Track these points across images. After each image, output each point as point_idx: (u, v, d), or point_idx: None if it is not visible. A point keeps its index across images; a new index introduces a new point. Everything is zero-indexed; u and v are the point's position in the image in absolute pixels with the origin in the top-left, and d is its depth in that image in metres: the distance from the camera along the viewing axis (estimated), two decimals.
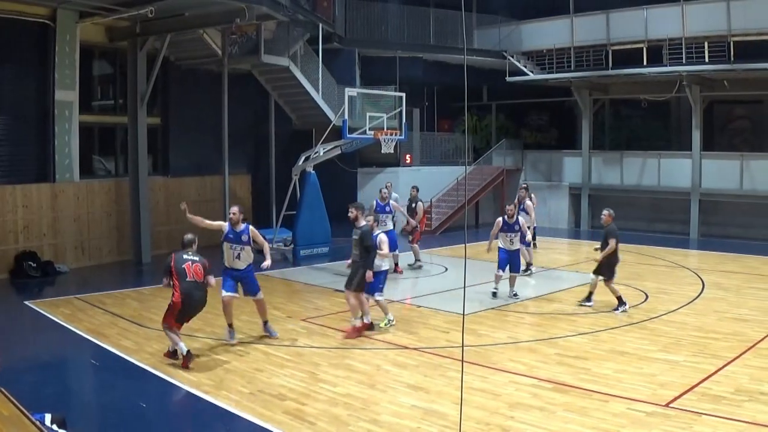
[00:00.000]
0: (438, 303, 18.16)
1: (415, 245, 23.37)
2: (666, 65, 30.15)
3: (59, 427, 7.86)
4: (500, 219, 18.78)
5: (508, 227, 18.61)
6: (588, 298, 17.74)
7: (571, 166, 36.35)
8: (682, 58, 29.57)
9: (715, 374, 12.10)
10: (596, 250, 17.72)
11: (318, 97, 28.38)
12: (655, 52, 30.63)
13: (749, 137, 34.29)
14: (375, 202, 22.05)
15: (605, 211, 17.84)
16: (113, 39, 25.14)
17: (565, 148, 37.98)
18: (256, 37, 26.41)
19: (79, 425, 9.73)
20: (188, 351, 12.86)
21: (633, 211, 32.28)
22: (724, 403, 10.68)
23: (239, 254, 14.84)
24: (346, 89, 25.68)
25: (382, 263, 15.64)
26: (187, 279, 13.26)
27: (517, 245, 18.77)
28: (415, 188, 23.79)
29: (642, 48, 30.91)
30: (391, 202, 22.26)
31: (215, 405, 10.90)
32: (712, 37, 28.86)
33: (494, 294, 18.71)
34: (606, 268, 17.25)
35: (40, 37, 22.88)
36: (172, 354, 13.11)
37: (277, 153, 30.37)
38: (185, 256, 13.66)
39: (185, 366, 12.73)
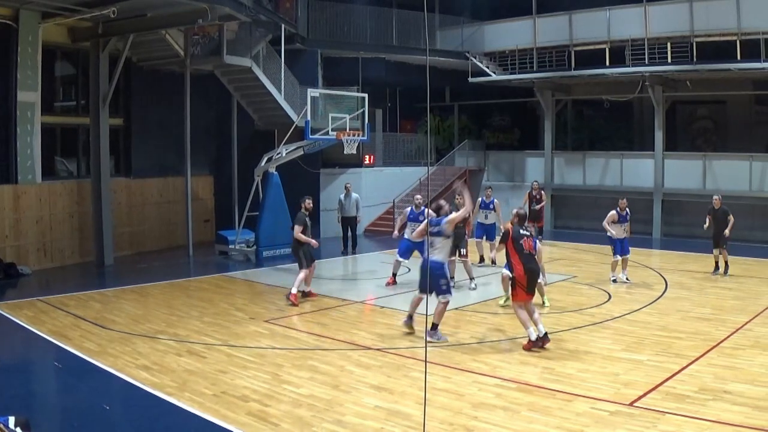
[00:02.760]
0: (400, 303, 18.18)
1: (467, 260, 21.00)
2: (628, 66, 30.36)
3: (23, 429, 7.80)
4: (614, 212, 21.48)
5: (622, 218, 21.48)
6: (717, 268, 22.41)
7: (534, 167, 36.47)
8: (644, 58, 29.78)
9: (679, 373, 12.18)
10: (706, 227, 22.55)
11: (280, 98, 28.33)
12: (618, 53, 30.81)
13: (712, 137, 34.60)
14: (410, 209, 21.74)
15: (716, 196, 22.63)
16: (76, 40, 25.00)
17: (527, 149, 38.18)
18: (219, 38, 26.34)
19: (42, 428, 9.69)
20: (545, 334, 13.99)
21: (595, 212, 32.34)
22: (688, 401, 10.75)
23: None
24: (309, 90, 25.68)
25: None
26: (525, 252, 14.24)
27: (626, 234, 21.46)
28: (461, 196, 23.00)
29: (605, 49, 31.10)
30: (426, 210, 21.45)
31: (178, 407, 10.88)
32: (674, 37, 29.09)
33: (614, 281, 21.02)
34: (724, 240, 21.92)
35: (2, 38, 22.66)
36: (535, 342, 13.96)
37: (240, 154, 30.28)
38: (522, 231, 14.47)
39: (527, 348, 13.89)
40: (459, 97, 40.52)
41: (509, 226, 14.44)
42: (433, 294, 14.60)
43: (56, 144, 26.09)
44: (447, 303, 14.79)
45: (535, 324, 14.01)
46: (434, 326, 14.69)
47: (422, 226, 16.54)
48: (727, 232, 21.83)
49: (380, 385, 11.80)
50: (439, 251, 14.75)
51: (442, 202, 15.80)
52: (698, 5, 28.28)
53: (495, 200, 24.13)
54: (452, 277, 20.45)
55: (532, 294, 14.34)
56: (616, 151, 34.21)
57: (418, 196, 22.43)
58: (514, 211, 14.78)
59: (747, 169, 29.45)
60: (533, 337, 13.78)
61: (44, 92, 24.01)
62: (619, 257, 21.22)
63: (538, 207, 28.36)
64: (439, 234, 14.75)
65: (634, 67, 30.17)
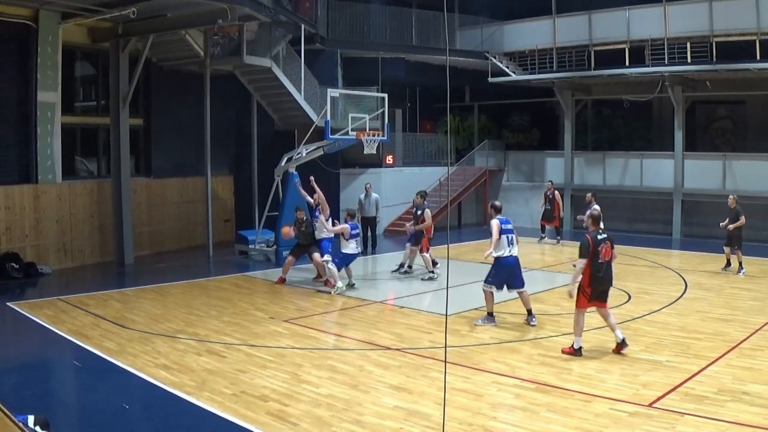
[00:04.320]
0: (420, 303, 18.21)
1: (426, 254, 21.96)
2: (648, 66, 30.24)
3: (42, 428, 7.81)
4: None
5: None
6: (729, 264, 22.78)
7: (554, 167, 36.42)
8: (664, 58, 29.67)
9: (697, 374, 12.13)
10: (722, 226, 22.63)
11: (300, 98, 28.34)
12: (638, 53, 30.69)
13: (731, 138, 34.49)
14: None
15: (731, 197, 22.82)
16: (96, 40, 25.11)
17: (547, 149, 38.14)
18: (239, 38, 26.35)
19: (62, 427, 9.71)
20: (623, 339, 13.54)
21: (615, 212, 32.26)
22: (706, 402, 10.70)
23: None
24: (329, 90, 25.68)
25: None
26: (599, 261, 13.45)
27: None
28: (420, 194, 23.18)
29: (624, 48, 31.00)
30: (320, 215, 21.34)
31: (198, 406, 10.90)
32: (694, 37, 28.96)
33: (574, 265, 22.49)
34: (736, 240, 22.24)
35: (22, 38, 22.79)
36: (576, 351, 13.45)
37: (260, 154, 30.31)
38: (599, 237, 13.61)
39: (566, 352, 13.50)
40: (479, 97, 40.46)
41: (588, 236, 13.60)
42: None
43: (76, 144, 26.21)
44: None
45: (613, 329, 13.60)
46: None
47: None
48: (731, 226, 22.19)
49: (399, 385, 11.79)
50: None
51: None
52: (718, 5, 28.16)
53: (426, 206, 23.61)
54: (410, 266, 22.23)
55: (602, 303, 13.66)
56: (636, 152, 34.10)
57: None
58: (588, 212, 14.19)
59: (767, 169, 29.29)
60: (576, 346, 13.39)
61: (64, 92, 24.15)
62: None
63: (549, 207, 28.52)
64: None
65: (654, 67, 30.06)
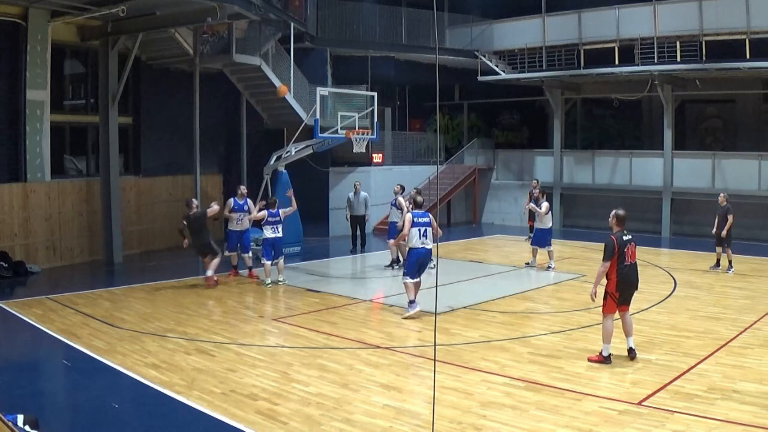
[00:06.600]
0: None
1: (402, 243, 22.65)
2: (638, 65, 30.30)
3: (32, 428, 7.81)
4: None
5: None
6: (718, 265, 22.74)
7: (543, 166, 36.46)
8: (653, 57, 29.73)
9: (687, 372, 12.16)
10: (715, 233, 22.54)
11: (290, 97, 28.31)
12: (627, 52, 30.75)
13: (721, 136, 34.56)
14: (232, 200, 22.43)
15: (721, 194, 22.78)
16: (85, 38, 25.01)
17: (536, 148, 38.19)
18: (228, 37, 26.36)
19: (51, 426, 9.70)
20: (631, 348, 13.16)
21: (604, 211, 32.09)
22: (696, 401, 10.73)
23: None
24: (318, 88, 25.64)
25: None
26: (625, 264, 12.93)
27: (541, 224, 23.54)
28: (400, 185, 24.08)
29: (614, 47, 31.04)
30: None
31: (187, 405, 10.88)
32: (684, 36, 29.02)
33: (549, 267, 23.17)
34: (727, 239, 22.11)
35: (12, 37, 22.69)
36: (606, 359, 12.93)
37: (249, 152, 30.31)
38: (625, 238, 13.10)
39: (592, 360, 12.98)
40: (468, 95, 40.54)
41: (612, 237, 13.09)
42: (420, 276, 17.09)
43: (65, 142, 26.10)
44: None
45: (627, 335, 13.18)
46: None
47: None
48: (723, 232, 22.07)
49: (389, 384, 11.80)
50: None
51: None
52: (707, 4, 28.22)
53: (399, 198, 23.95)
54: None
55: (626, 305, 13.20)
56: (626, 150, 34.18)
57: (243, 187, 23.10)
58: (613, 212, 13.55)
59: (756, 168, 29.38)
60: (605, 353, 12.90)
61: (53, 91, 24.04)
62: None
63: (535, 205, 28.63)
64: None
65: (644, 65, 30.13)
